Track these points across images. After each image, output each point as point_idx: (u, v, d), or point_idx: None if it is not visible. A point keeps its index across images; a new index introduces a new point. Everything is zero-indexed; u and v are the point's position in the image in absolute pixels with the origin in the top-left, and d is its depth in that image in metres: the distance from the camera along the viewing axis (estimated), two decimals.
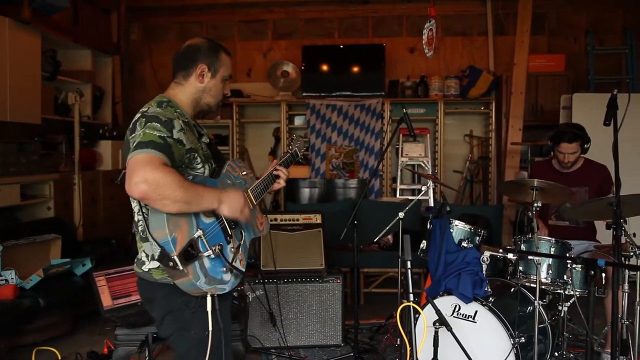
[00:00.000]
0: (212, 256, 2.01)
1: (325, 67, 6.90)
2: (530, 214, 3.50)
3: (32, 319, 4.06)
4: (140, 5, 7.14)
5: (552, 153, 4.12)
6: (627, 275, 3.06)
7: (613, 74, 6.70)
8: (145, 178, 1.87)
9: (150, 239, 1.98)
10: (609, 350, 3.20)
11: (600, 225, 3.93)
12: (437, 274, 3.49)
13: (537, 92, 6.45)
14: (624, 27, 6.81)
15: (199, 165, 2.15)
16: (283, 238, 4.23)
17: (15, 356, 3.93)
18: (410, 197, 6.03)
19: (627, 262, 3.10)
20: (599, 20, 6.91)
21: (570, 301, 3.43)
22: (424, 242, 3.74)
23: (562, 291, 3.39)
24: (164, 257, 1.94)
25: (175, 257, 1.92)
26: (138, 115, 2.08)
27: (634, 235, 3.21)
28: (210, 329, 2.04)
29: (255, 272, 4.12)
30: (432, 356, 2.99)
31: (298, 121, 7.09)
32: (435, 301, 3.19)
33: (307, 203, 6.43)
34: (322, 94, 6.81)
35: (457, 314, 3.28)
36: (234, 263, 2.10)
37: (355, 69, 6.87)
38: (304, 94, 6.85)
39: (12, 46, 4.83)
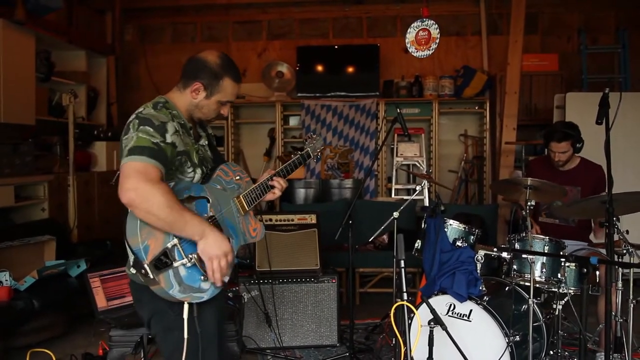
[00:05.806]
0: (188, 265, 2.00)
1: (319, 68, 6.91)
2: (524, 213, 3.51)
3: (26, 320, 4.06)
4: (134, 6, 7.13)
5: (546, 150, 4.14)
6: (620, 273, 3.08)
7: (606, 73, 6.73)
8: (137, 187, 1.87)
9: (126, 244, 1.97)
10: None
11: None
12: (431, 273, 3.50)
13: (531, 91, 6.47)
14: (616, 26, 6.83)
15: (189, 170, 2.13)
16: (278, 238, 4.23)
17: (10, 358, 3.92)
18: (405, 197, 6.03)
19: (620, 260, 3.12)
20: (591, 20, 6.95)
21: (565, 299, 3.43)
22: (419, 241, 3.75)
23: (556, 289, 3.40)
24: (137, 265, 1.94)
25: (146, 266, 1.92)
26: (132, 116, 2.06)
27: (627, 232, 3.23)
28: (185, 336, 2.03)
29: (251, 273, 4.13)
30: (427, 355, 3.01)
31: (293, 122, 7.08)
32: (430, 300, 3.20)
33: (302, 203, 6.43)
34: (317, 95, 6.81)
35: (452, 313, 3.30)
36: None
37: (350, 69, 6.88)
38: (299, 95, 6.85)
39: (5, 47, 4.81)
